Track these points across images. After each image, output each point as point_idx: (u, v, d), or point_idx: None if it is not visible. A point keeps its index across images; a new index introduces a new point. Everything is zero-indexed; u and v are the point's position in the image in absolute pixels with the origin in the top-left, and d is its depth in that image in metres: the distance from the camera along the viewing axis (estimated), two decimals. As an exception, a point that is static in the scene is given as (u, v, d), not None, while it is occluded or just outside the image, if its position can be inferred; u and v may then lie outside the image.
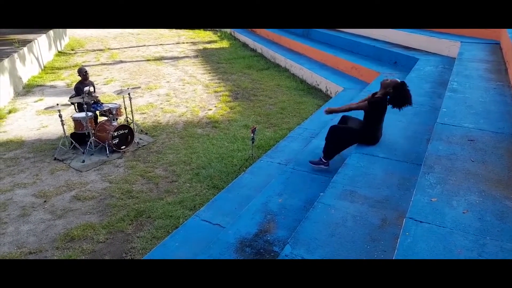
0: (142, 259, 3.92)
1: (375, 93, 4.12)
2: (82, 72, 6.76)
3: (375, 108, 3.99)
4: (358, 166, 3.73)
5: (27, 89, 10.07)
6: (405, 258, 2.10)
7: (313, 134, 5.90)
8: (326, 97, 9.00)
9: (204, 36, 18.13)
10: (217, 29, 19.34)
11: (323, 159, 4.24)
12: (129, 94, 6.78)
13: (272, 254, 3.05)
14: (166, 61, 13.33)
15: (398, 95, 3.87)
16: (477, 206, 2.53)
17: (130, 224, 4.57)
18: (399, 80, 3.92)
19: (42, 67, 12.20)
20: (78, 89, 6.58)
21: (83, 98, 6.06)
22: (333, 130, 4.17)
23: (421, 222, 2.37)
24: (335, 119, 6.08)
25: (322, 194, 3.36)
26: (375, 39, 10.48)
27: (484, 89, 4.96)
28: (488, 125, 3.84)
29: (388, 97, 3.96)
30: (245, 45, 15.63)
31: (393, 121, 4.75)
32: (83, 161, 6.06)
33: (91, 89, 6.78)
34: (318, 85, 9.71)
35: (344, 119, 4.63)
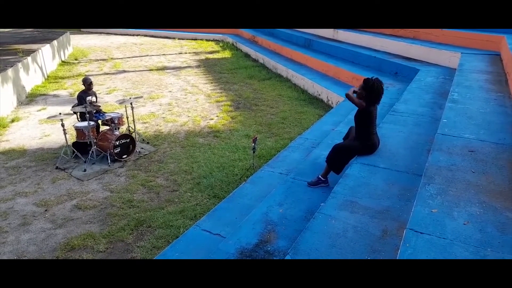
0: (139, 259, 3.92)
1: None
2: (87, 82, 6.82)
3: (366, 112, 4.05)
4: (358, 176, 3.73)
5: (30, 98, 10.14)
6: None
7: (314, 144, 5.90)
8: (327, 107, 9.03)
9: (206, 47, 18.29)
10: (219, 40, 19.51)
11: (321, 178, 4.23)
12: (131, 103, 6.82)
13: (272, 264, 3.04)
14: (168, 71, 13.43)
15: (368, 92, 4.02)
16: (478, 218, 2.52)
17: (130, 234, 4.56)
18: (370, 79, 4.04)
19: (46, 77, 12.31)
20: (81, 99, 6.63)
21: (85, 107, 6.10)
22: (335, 151, 4.16)
23: (421, 233, 2.36)
24: (336, 129, 6.11)
25: (323, 204, 3.36)
26: (375, 50, 10.54)
27: (484, 100, 4.97)
28: (488, 136, 3.84)
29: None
30: (247, 56, 15.74)
31: (394, 131, 4.76)
32: (85, 170, 6.07)
33: (93, 98, 6.82)
34: (319, 95, 9.75)
35: (348, 131, 4.67)
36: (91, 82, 6.87)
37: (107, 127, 6.71)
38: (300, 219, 3.65)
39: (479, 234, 2.35)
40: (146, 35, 21.90)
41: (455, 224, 2.45)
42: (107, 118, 6.65)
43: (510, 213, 2.56)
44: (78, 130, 6.28)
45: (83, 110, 6.13)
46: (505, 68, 6.50)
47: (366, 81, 4.08)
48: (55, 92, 10.79)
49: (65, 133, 6.24)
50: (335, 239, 2.86)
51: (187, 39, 20.43)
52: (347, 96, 4.02)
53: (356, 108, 4.23)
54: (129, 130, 7.18)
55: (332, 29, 12.95)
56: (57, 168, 6.18)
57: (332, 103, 9.01)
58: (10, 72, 9.25)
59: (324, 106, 9.16)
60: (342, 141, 4.63)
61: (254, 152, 5.68)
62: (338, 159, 4.14)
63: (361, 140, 4.16)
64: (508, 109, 4.65)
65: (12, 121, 8.36)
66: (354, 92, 4.12)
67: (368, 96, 4.04)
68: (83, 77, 7.09)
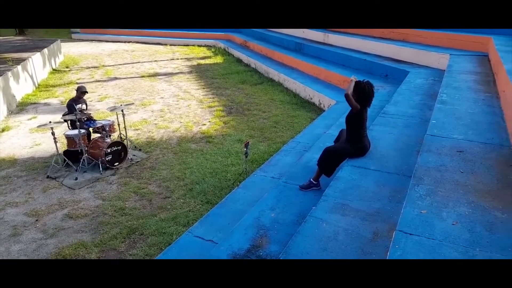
0: (137, 259, 3.90)
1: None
2: (80, 90, 6.79)
3: (357, 114, 4.07)
4: (349, 179, 3.74)
5: (20, 107, 10.07)
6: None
7: (306, 147, 5.92)
8: (319, 110, 9.06)
9: (198, 52, 18.30)
10: (211, 45, 19.54)
11: (313, 181, 4.24)
12: (122, 110, 6.79)
13: (264, 269, 3.03)
14: (160, 77, 13.41)
15: (360, 95, 4.03)
16: (467, 218, 2.53)
17: (122, 242, 4.52)
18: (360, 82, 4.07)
19: (36, 85, 12.23)
20: (71, 107, 6.59)
21: (75, 115, 6.07)
22: (326, 154, 4.16)
23: (410, 234, 2.37)
24: (328, 132, 6.14)
25: (314, 207, 3.36)
26: (366, 53, 10.61)
27: (473, 101, 5.02)
28: (477, 136, 3.88)
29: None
30: (238, 61, 15.77)
31: (384, 133, 4.78)
32: (76, 179, 6.03)
33: (83, 106, 6.79)
34: (311, 98, 9.79)
35: (339, 134, 4.69)
36: (83, 91, 6.84)
37: (99, 135, 6.68)
38: (292, 223, 3.65)
39: (467, 234, 2.37)
40: (137, 42, 21.85)
41: (444, 225, 2.46)
42: (98, 125, 6.61)
43: (498, 212, 2.58)
44: (69, 138, 6.23)
45: (73, 118, 6.10)
46: (493, 69, 6.58)
47: (357, 84, 4.10)
48: (46, 101, 10.72)
49: (55, 142, 6.20)
50: (326, 242, 2.86)
51: (179, 45, 20.43)
52: (347, 96, 4.02)
53: (347, 111, 4.25)
54: (120, 137, 7.14)
55: (322, 33, 13.03)
56: (48, 177, 6.12)
57: (324, 106, 9.04)
58: (-1, 81, 9.19)
59: (316, 110, 9.19)
60: (333, 144, 4.65)
61: (246, 156, 5.68)
62: (329, 162, 4.15)
63: (352, 142, 4.18)
64: (496, 109, 4.70)
65: (2, 130, 8.28)
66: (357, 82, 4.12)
67: (360, 99, 4.06)
68: (78, 85, 7.05)
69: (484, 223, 2.47)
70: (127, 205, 5.30)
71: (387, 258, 2.23)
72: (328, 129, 6.34)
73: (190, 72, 14.03)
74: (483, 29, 8.36)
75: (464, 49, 8.51)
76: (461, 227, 2.43)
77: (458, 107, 4.77)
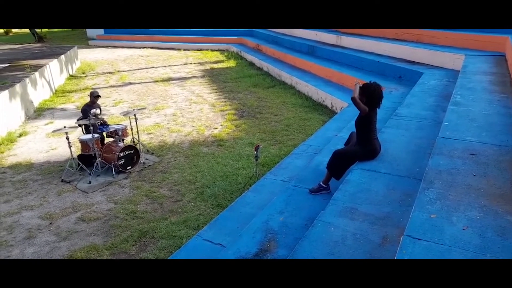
0: (140, 259, 3.93)
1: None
2: (93, 95, 6.92)
3: (367, 117, 4.01)
4: (359, 182, 3.69)
5: (38, 113, 10.31)
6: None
7: (317, 150, 5.87)
8: (331, 113, 8.99)
9: (211, 56, 18.42)
10: (224, 49, 19.65)
11: (323, 185, 4.19)
12: (134, 115, 6.88)
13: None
14: (173, 81, 13.55)
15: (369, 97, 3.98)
16: (478, 222, 2.46)
17: (133, 245, 4.57)
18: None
19: (54, 91, 12.52)
20: (85, 112, 6.72)
21: (89, 120, 6.17)
22: (335, 157, 4.12)
23: (419, 239, 2.32)
24: (339, 135, 6.08)
25: (322, 211, 3.32)
26: (379, 54, 10.50)
27: (487, 102, 4.90)
28: (491, 138, 3.77)
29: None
30: (251, 64, 15.81)
31: (396, 135, 4.71)
32: (90, 182, 6.13)
33: (97, 111, 6.91)
34: (323, 101, 9.73)
35: (349, 137, 4.64)
36: (97, 95, 6.97)
37: (112, 139, 6.78)
38: (300, 227, 3.61)
39: (478, 239, 2.30)
40: (152, 47, 22.12)
41: (454, 230, 2.40)
42: (111, 130, 6.72)
43: (511, 216, 2.50)
44: (83, 142, 6.35)
45: (87, 123, 6.21)
46: (510, 69, 6.41)
47: (366, 86, 4.05)
48: (62, 106, 10.96)
49: (70, 146, 6.31)
50: (334, 247, 2.82)
51: (192, 50, 20.60)
52: (354, 100, 3.97)
53: (357, 114, 4.20)
54: (133, 142, 7.23)
55: (335, 35, 12.96)
56: (62, 181, 6.24)
57: (336, 109, 8.97)
58: (18, 87, 9.43)
59: (329, 112, 9.13)
60: (343, 146, 4.60)
61: (256, 160, 5.68)
62: (338, 165, 4.10)
63: (362, 145, 4.13)
64: (511, 110, 4.57)
65: (20, 135, 8.49)
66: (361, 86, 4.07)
67: (369, 101, 4.01)
68: (91, 90, 7.18)
69: (496, 228, 2.39)
70: (138, 209, 5.35)
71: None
72: (339, 132, 6.28)
73: (203, 76, 14.13)
74: (499, 29, 8.17)
75: (479, 49, 8.32)
76: (471, 232, 2.36)
77: (472, 108, 4.65)
